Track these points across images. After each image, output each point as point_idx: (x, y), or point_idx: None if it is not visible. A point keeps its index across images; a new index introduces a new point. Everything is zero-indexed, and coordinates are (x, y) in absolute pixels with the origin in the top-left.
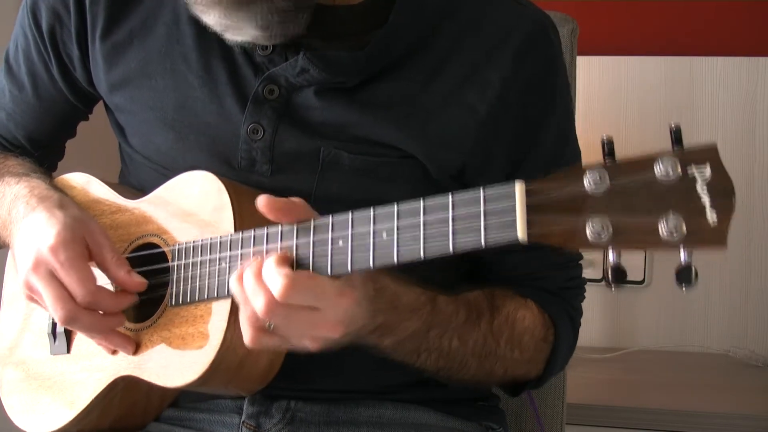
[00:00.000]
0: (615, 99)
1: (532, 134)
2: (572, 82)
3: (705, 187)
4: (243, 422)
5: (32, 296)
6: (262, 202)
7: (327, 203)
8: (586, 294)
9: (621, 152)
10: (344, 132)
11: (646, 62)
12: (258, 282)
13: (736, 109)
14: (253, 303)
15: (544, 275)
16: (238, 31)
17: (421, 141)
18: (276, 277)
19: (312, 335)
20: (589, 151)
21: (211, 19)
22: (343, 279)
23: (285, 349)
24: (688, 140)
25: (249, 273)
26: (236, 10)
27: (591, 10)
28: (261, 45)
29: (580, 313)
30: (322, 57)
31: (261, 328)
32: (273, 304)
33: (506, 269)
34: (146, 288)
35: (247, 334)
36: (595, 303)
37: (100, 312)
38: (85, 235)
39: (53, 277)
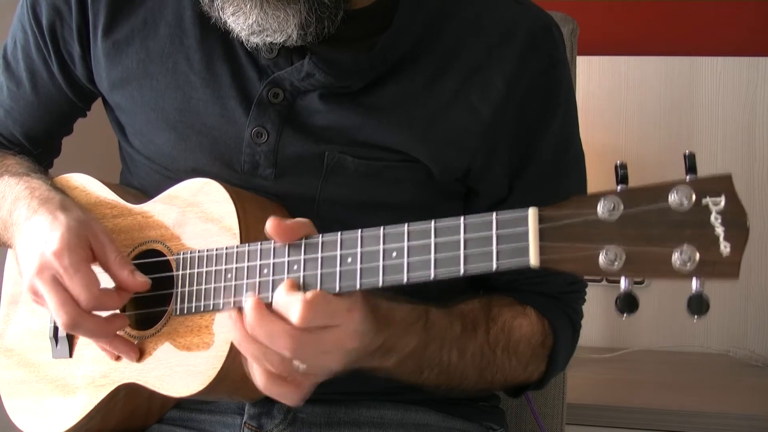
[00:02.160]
0: (615, 99)
1: (535, 134)
2: (572, 82)
3: (719, 218)
4: (245, 423)
5: (37, 300)
6: (270, 226)
7: (331, 206)
8: (586, 296)
9: (621, 152)
10: (348, 136)
11: (646, 62)
12: (272, 327)
13: (736, 109)
14: (276, 347)
15: (545, 279)
16: (274, 33)
17: (426, 143)
18: (293, 304)
19: (337, 353)
20: (589, 152)
21: (249, 20)
22: (345, 296)
23: (315, 382)
24: (689, 141)
25: (255, 324)
26: (284, 5)
27: (591, 10)
28: (267, 47)
29: (580, 315)
30: (327, 61)
31: (288, 377)
32: (297, 336)
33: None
34: (149, 294)
35: (280, 392)
36: (595, 303)
37: (104, 316)
38: (88, 236)
39: (57, 282)
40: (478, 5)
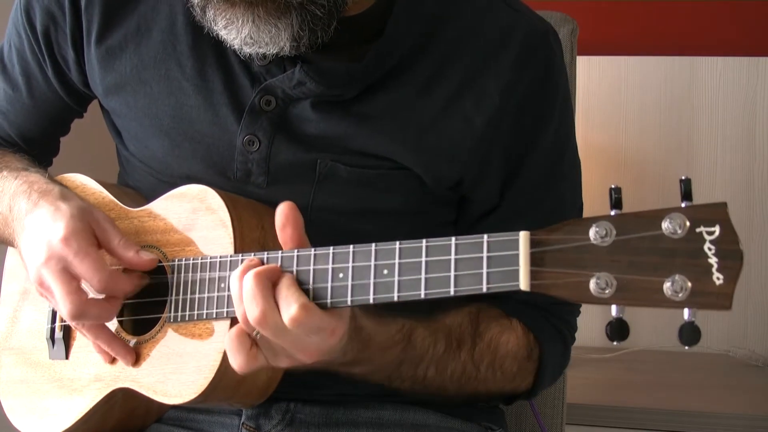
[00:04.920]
0: (615, 99)
1: (529, 142)
2: (572, 82)
3: (713, 248)
4: (242, 423)
5: (43, 292)
6: (286, 209)
7: (323, 214)
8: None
9: (621, 152)
10: (341, 145)
11: (646, 62)
12: (257, 288)
13: (736, 109)
14: (248, 308)
15: None
16: (267, 45)
17: (418, 153)
18: (291, 303)
19: (292, 356)
20: (589, 152)
21: (242, 33)
22: (336, 315)
23: (264, 366)
24: (689, 141)
25: (250, 277)
26: (275, 19)
27: (591, 10)
28: (260, 54)
29: (573, 328)
30: (319, 70)
31: (248, 343)
32: (273, 320)
33: None
34: (145, 300)
35: (236, 358)
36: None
37: (103, 299)
38: (91, 223)
39: (65, 271)
40: (473, 12)
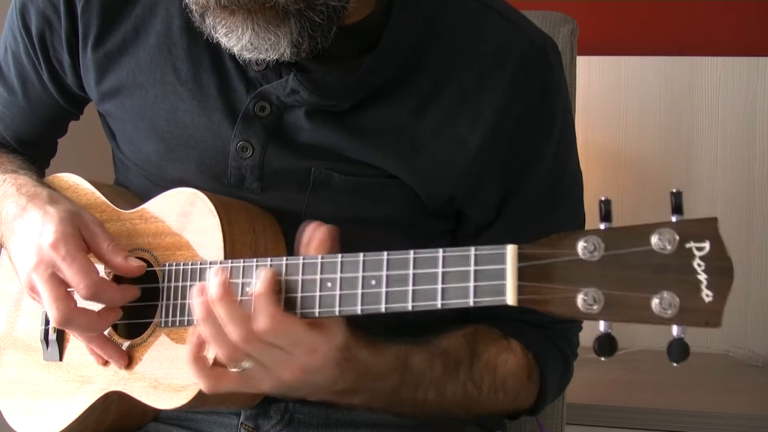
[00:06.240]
0: (615, 99)
1: (526, 164)
2: (572, 82)
3: (702, 264)
4: (241, 423)
5: (34, 297)
6: (325, 233)
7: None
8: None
9: (621, 152)
10: (334, 154)
11: (646, 62)
12: (232, 310)
13: (736, 109)
14: (229, 330)
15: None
16: (267, 51)
17: (410, 170)
18: (263, 314)
19: (274, 375)
20: (589, 152)
21: (242, 41)
22: (324, 336)
23: (243, 388)
24: (689, 141)
25: (217, 298)
26: (274, 26)
27: (591, 10)
28: (260, 60)
29: (574, 345)
30: (312, 80)
31: (223, 372)
32: (252, 334)
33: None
34: (136, 304)
35: (206, 374)
36: None
37: (96, 311)
38: (80, 227)
39: (54, 276)
40: (469, 26)
